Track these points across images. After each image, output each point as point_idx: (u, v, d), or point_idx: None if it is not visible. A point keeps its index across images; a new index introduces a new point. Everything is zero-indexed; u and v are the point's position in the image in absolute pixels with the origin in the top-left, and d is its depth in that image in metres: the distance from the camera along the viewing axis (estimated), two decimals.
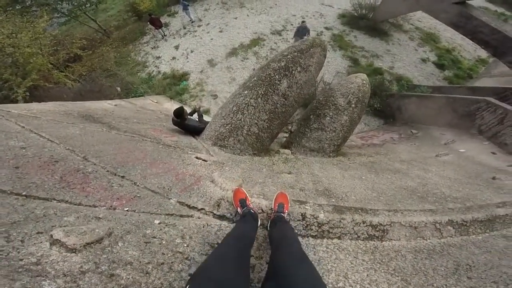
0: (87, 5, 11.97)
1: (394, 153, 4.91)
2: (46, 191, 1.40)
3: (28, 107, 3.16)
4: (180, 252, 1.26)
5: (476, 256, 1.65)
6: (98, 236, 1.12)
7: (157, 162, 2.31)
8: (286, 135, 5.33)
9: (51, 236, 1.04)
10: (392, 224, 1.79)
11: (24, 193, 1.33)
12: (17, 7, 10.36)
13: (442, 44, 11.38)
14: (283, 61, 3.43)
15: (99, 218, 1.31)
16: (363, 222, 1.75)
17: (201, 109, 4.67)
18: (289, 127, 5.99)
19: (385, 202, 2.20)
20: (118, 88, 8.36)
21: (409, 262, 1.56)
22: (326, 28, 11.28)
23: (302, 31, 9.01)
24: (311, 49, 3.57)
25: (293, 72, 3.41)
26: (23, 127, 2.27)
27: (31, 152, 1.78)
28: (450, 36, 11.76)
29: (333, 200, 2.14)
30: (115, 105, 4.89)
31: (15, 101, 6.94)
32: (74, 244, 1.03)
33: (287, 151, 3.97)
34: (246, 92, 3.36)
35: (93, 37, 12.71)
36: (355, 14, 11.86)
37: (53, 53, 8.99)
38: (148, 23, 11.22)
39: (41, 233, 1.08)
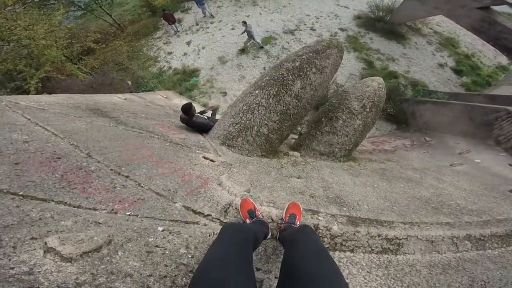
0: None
1: (406, 160, 4.74)
2: (44, 191, 1.33)
3: (37, 99, 3.14)
4: (184, 264, 1.16)
5: (491, 271, 1.60)
6: (96, 244, 1.03)
7: (163, 161, 2.23)
8: (295, 136, 5.20)
9: (45, 243, 0.96)
10: (408, 238, 1.69)
11: (21, 193, 1.26)
12: (35, 0, 10.52)
13: (461, 50, 10.99)
14: (297, 61, 3.31)
15: (99, 223, 1.22)
16: (379, 236, 1.64)
17: (210, 105, 4.57)
18: (299, 129, 5.86)
19: (398, 212, 2.10)
20: (129, 82, 8.46)
21: (424, 277, 1.49)
22: (341, 29, 11.08)
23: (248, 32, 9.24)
24: (328, 50, 3.44)
25: (308, 73, 3.28)
26: (29, 119, 2.23)
27: (34, 147, 1.72)
28: (470, 42, 11.36)
29: (345, 209, 2.04)
30: (125, 99, 4.87)
31: (27, 91, 7.09)
32: (70, 254, 0.95)
33: (296, 153, 3.85)
34: (257, 91, 3.25)
35: (107, 31, 12.91)
36: (372, 15, 11.60)
37: (68, 46, 9.15)
38: (162, 18, 11.28)
39: (36, 239, 1.01)
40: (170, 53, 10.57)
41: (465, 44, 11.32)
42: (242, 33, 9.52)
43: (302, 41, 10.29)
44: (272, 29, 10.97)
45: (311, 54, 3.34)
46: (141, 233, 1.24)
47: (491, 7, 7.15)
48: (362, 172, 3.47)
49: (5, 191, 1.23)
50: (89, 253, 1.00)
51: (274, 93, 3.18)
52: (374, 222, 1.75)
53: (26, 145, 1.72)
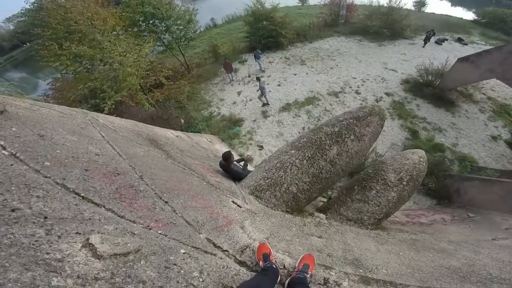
0: (182, 39, 13.74)
1: (443, 233, 4.29)
2: (100, 198, 1.56)
3: (112, 120, 3.70)
4: (194, 286, 1.28)
5: None
6: (127, 250, 1.19)
7: (198, 197, 2.49)
8: (324, 200, 5.14)
9: (87, 239, 1.11)
10: None
11: (82, 194, 1.46)
12: (134, 30, 12.39)
13: None
14: (337, 126, 3.44)
15: (134, 233, 1.41)
16: None
17: (246, 156, 4.94)
18: (329, 193, 5.76)
19: (419, 278, 1.96)
20: (182, 120, 9.27)
21: None
22: (387, 94, 10.93)
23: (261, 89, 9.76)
24: (369, 117, 3.50)
25: (346, 139, 3.39)
26: (103, 137, 2.64)
27: (102, 160, 2.04)
28: None
29: (361, 270, 1.98)
30: (176, 136, 5.54)
31: (102, 110, 8.10)
32: (104, 252, 1.08)
33: (321, 215, 3.80)
34: (293, 151, 3.48)
35: (178, 69, 14.72)
36: (420, 80, 11.20)
37: (144, 77, 10.36)
38: (222, 66, 12.66)
39: (80, 234, 1.14)
40: (222, 99, 11.55)
41: None
42: (258, 90, 10.26)
43: (346, 104, 10.40)
44: (316, 90, 11.32)
45: (351, 121, 3.43)
46: (165, 250, 1.41)
47: None
48: (389, 241, 3.27)
49: (71, 189, 1.47)
50: (118, 256, 1.13)
51: (309, 155, 3.35)
52: (388, 284, 1.67)
53: (97, 157, 2.03)
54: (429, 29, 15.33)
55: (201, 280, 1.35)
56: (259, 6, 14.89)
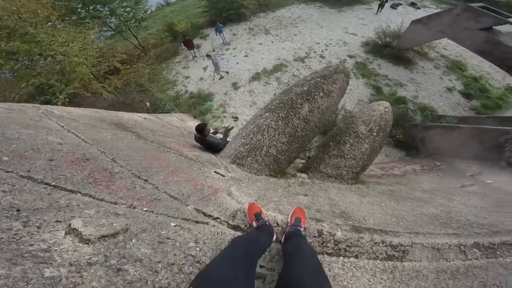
0: (132, 21, 12.82)
1: (416, 183, 4.72)
2: (73, 184, 1.46)
3: (68, 110, 3.40)
4: (192, 255, 1.27)
5: (504, 276, 1.61)
6: (114, 230, 1.14)
7: (178, 171, 2.41)
8: (303, 161, 5.32)
9: (69, 225, 1.06)
10: (413, 245, 1.72)
11: (53, 183, 1.38)
12: (73, 18, 11.28)
13: (469, 72, 10.97)
14: (305, 85, 3.52)
15: (118, 214, 1.34)
16: (383, 242, 1.70)
17: (224, 126, 4.85)
18: (307, 153, 5.97)
19: (405, 226, 2.14)
20: (148, 103, 8.86)
21: (431, 281, 1.50)
22: (350, 56, 11.48)
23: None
24: (334, 75, 3.63)
25: (315, 97, 3.47)
26: (62, 126, 2.44)
27: (66, 148, 1.89)
28: (477, 64, 11.34)
29: (350, 222, 2.11)
30: (144, 118, 5.22)
31: (55, 105, 7.46)
32: (89, 235, 1.05)
33: (303, 175, 3.95)
34: (267, 114, 3.47)
35: (132, 52, 13.78)
36: (379, 42, 11.93)
37: (96, 64, 9.59)
38: (182, 43, 12.05)
39: (60, 222, 1.09)
40: (187, 77, 11.21)
41: (472, 67, 11.30)
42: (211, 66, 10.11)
43: (312, 68, 10.70)
44: (283, 57, 11.49)
45: (318, 79, 3.54)
46: (155, 226, 1.36)
47: (493, 27, 7.15)
48: (369, 193, 3.51)
49: (39, 180, 1.35)
50: (107, 238, 1.09)
51: (283, 115, 3.38)
52: (379, 231, 1.81)
53: (60, 146, 1.89)
54: None
55: (198, 249, 1.34)
56: None
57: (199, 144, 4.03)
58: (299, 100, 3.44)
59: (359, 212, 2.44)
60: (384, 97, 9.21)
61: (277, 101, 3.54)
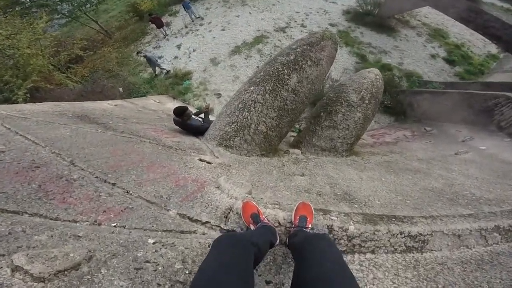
0: (87, 6, 11.97)
1: (410, 151, 4.66)
2: (17, 203, 1.19)
3: (20, 108, 3.00)
4: (181, 282, 0.99)
5: None
6: (73, 262, 0.89)
7: (155, 166, 2.07)
8: (294, 134, 5.07)
9: (12, 261, 0.84)
10: (433, 233, 1.54)
11: None
12: (16, 9, 10.44)
13: (451, 40, 11.12)
14: (291, 54, 3.20)
15: (79, 236, 1.07)
16: (401, 233, 1.49)
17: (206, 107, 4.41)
18: (298, 126, 5.73)
19: (413, 206, 1.97)
20: (120, 89, 8.28)
21: (459, 275, 1.34)
22: (331, 25, 11.10)
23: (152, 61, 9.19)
24: (322, 42, 3.34)
25: (303, 66, 3.16)
26: (9, 128, 2.11)
27: (10, 156, 1.59)
28: (458, 32, 11.50)
29: (356, 206, 1.91)
30: (115, 105, 4.69)
31: (15, 103, 6.82)
32: (41, 273, 0.82)
33: (297, 151, 3.72)
34: (252, 88, 3.11)
35: (95, 38, 12.72)
36: (360, 10, 11.70)
37: (54, 54, 8.98)
38: (150, 22, 11.11)
39: (3, 255, 0.90)
40: (160, 57, 10.41)
41: (454, 35, 11.45)
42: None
43: (294, 38, 10.16)
44: (263, 28, 10.93)
45: (305, 47, 3.23)
46: (128, 247, 1.09)
47: None
48: (367, 166, 3.36)
49: None
50: (66, 272, 0.86)
51: (270, 88, 3.04)
52: (393, 219, 1.60)
53: (2, 155, 1.59)
54: None
55: (187, 272, 1.05)
56: None
57: (179, 127, 3.64)
58: (286, 71, 3.11)
59: (361, 191, 2.26)
60: (369, 64, 9.02)
61: (262, 73, 3.17)
